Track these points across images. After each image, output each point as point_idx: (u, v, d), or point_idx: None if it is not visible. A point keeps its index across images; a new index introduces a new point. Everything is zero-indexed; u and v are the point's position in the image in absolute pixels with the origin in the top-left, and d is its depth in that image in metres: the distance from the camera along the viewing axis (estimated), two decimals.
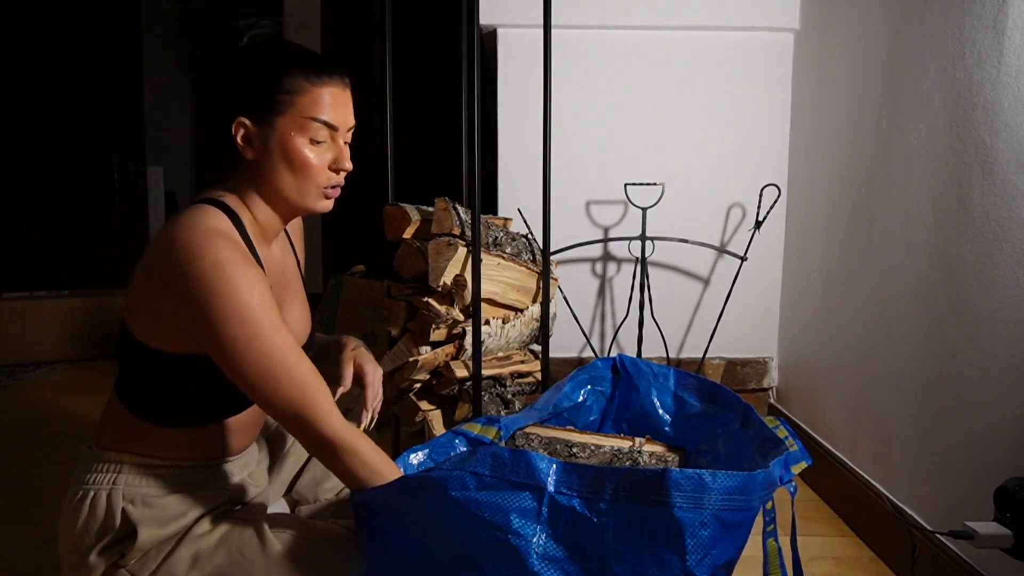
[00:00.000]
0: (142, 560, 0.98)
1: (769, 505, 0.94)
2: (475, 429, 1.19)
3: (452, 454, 1.16)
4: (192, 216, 0.92)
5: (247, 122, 0.96)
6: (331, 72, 0.99)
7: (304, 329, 1.15)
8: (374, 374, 1.20)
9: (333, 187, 1.03)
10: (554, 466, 0.85)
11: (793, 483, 0.94)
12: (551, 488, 0.84)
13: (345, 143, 1.03)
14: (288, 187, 0.99)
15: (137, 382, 1.00)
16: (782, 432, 1.09)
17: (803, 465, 1.00)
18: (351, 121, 1.02)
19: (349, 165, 1.02)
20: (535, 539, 0.83)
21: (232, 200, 1.01)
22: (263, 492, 1.15)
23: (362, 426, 1.15)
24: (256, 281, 0.89)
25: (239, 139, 0.96)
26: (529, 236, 1.71)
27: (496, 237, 1.55)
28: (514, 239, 1.61)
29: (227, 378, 0.93)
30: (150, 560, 0.98)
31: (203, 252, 0.87)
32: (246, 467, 1.13)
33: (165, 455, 1.01)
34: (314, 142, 0.98)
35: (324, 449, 0.93)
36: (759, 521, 0.94)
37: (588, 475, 0.84)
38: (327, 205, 1.04)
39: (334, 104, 0.98)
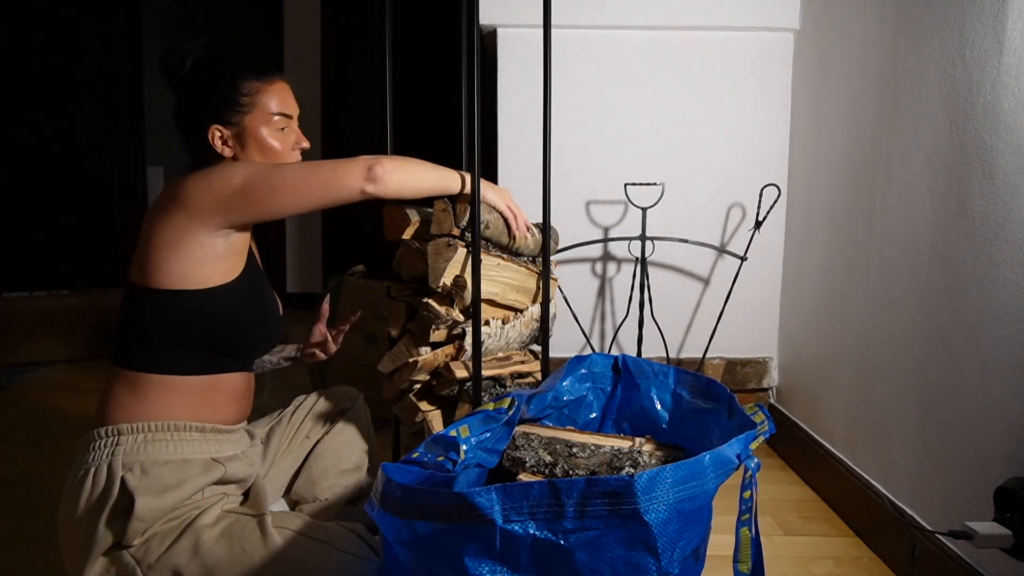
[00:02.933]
0: (145, 546, 0.98)
1: (748, 495, 0.93)
2: (490, 407, 1.19)
3: (474, 435, 1.14)
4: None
5: (220, 128, 1.13)
6: (272, 72, 1.18)
7: (278, 309, 1.27)
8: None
9: None
10: (494, 495, 0.77)
11: (755, 459, 0.94)
12: (499, 520, 0.77)
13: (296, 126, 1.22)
14: None
15: (138, 331, 1.06)
16: (759, 417, 1.10)
17: (760, 440, 1.00)
18: (297, 108, 1.22)
19: (307, 143, 1.22)
20: None
21: None
22: (259, 481, 1.15)
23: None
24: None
25: (217, 143, 1.13)
26: None
27: None
28: None
29: (223, 319, 1.07)
30: (153, 548, 0.98)
31: (184, 177, 1.06)
32: (240, 443, 1.15)
33: (162, 413, 1.04)
34: (279, 131, 1.17)
35: (383, 182, 1.12)
36: (735, 508, 0.93)
37: (536, 493, 0.78)
38: None
39: (285, 98, 1.18)
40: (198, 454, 1.06)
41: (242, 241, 1.12)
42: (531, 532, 0.78)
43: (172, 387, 1.06)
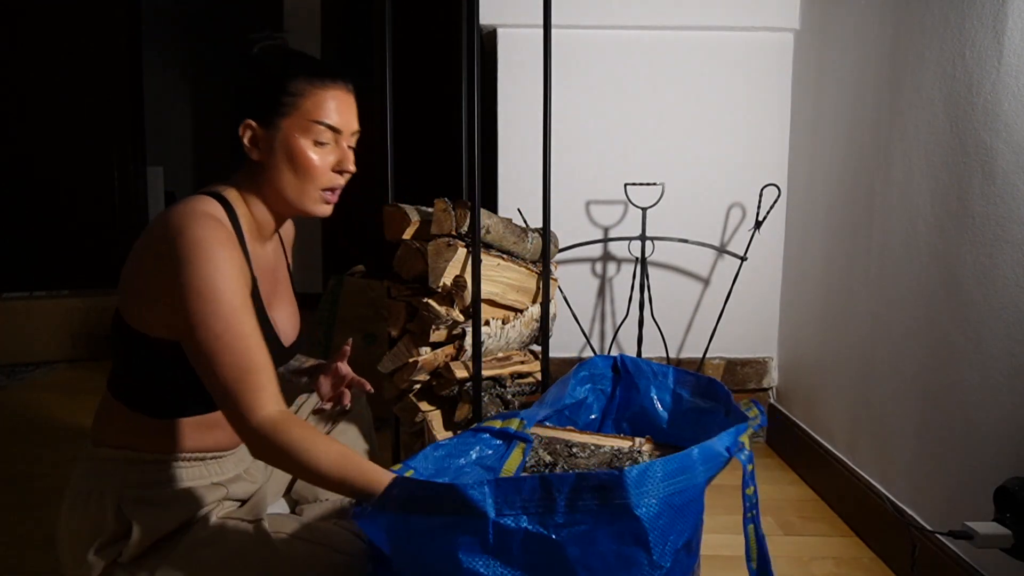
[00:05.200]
0: (141, 559, 0.98)
1: (750, 491, 0.93)
2: (497, 424, 1.19)
3: (475, 451, 1.14)
4: (187, 201, 0.96)
5: (253, 124, 1.00)
6: (334, 76, 1.02)
7: (292, 329, 1.17)
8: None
9: (332, 190, 1.05)
10: (487, 488, 0.79)
11: (746, 451, 0.94)
12: (492, 514, 0.78)
13: (349, 147, 1.05)
14: (290, 188, 1.02)
15: (128, 371, 1.01)
16: (753, 412, 1.11)
17: (750, 432, 1.00)
18: (354, 125, 1.05)
19: (352, 167, 1.05)
20: (488, 572, 0.79)
21: (231, 195, 1.03)
22: (261, 488, 1.15)
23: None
24: (230, 264, 0.91)
25: (246, 141, 1.00)
26: None
27: None
28: None
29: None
30: (149, 559, 0.98)
31: (188, 228, 0.90)
32: (242, 462, 1.13)
33: (159, 448, 1.01)
34: (317, 144, 1.01)
35: (260, 446, 0.87)
36: (740, 507, 0.94)
37: (527, 487, 0.80)
38: (326, 210, 1.06)
39: (338, 108, 1.01)
40: (199, 480, 1.04)
41: None
42: (523, 526, 0.79)
43: (168, 425, 1.02)
